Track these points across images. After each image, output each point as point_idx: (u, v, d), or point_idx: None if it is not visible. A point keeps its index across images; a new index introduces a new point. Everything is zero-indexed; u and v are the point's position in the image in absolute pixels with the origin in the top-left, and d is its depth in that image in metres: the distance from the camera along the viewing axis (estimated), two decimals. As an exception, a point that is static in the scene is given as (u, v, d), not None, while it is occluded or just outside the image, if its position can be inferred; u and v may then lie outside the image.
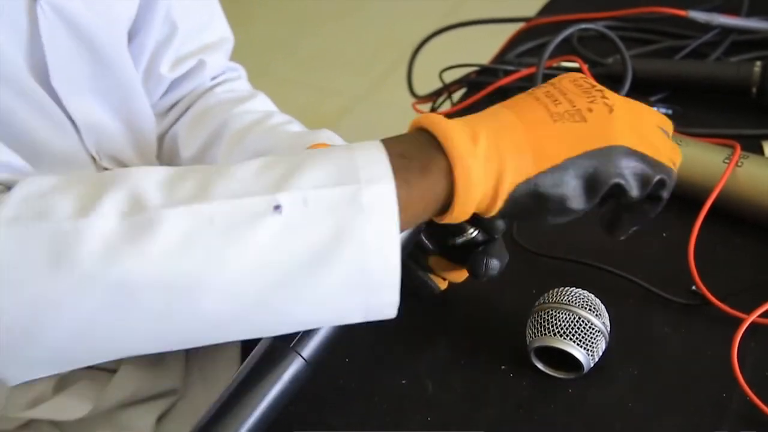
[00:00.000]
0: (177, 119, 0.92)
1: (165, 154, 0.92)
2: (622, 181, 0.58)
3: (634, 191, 0.59)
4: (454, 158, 0.56)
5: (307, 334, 0.61)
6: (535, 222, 0.61)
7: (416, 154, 0.57)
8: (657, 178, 0.60)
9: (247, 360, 0.61)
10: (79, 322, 0.53)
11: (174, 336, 0.57)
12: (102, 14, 0.77)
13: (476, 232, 0.68)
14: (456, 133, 0.57)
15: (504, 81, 1.02)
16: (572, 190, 0.58)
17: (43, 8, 0.70)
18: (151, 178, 0.55)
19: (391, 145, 0.57)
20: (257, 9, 2.93)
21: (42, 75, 0.73)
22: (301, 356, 0.61)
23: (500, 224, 0.68)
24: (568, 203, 0.58)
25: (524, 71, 1.01)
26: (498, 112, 0.61)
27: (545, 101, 0.60)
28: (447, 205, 0.58)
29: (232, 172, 0.56)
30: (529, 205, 0.58)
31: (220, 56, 0.94)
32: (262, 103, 0.92)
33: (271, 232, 0.53)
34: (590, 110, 0.60)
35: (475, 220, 0.62)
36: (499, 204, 0.58)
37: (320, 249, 0.53)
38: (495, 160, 0.57)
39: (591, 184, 0.58)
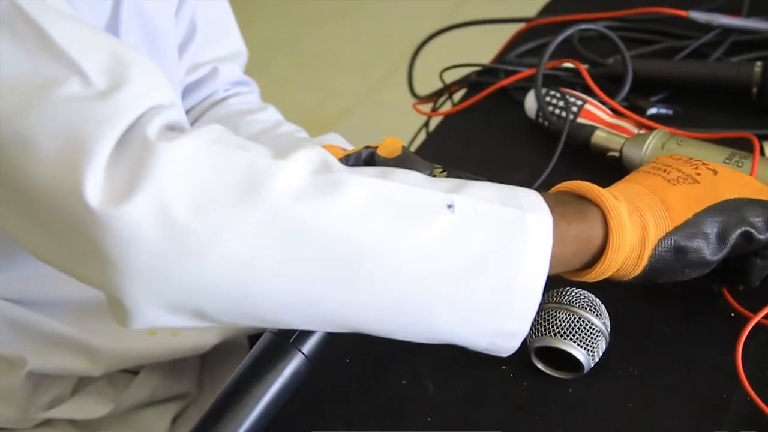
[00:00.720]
0: None
1: None
2: (748, 228, 0.64)
3: (763, 234, 0.64)
4: (607, 207, 0.60)
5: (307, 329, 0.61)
6: (672, 278, 0.64)
7: (570, 201, 0.62)
8: None
9: (247, 356, 0.61)
10: (245, 256, 0.52)
11: (320, 306, 0.56)
12: (166, 12, 0.80)
13: None
14: (602, 190, 0.61)
15: (505, 81, 1.02)
16: (707, 241, 0.63)
17: None
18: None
19: (542, 193, 0.60)
20: (258, 9, 2.92)
21: None
22: (302, 352, 0.61)
23: None
24: (704, 253, 0.63)
25: (525, 72, 1.01)
26: (620, 185, 0.65)
27: (657, 172, 0.66)
28: (596, 257, 0.61)
29: (404, 172, 0.58)
30: (671, 260, 0.62)
31: (235, 67, 0.97)
32: (272, 114, 0.94)
33: (443, 227, 0.55)
34: (698, 174, 0.66)
35: None
36: (645, 260, 0.61)
37: (479, 258, 0.56)
38: (636, 215, 0.62)
39: (721, 232, 0.63)
